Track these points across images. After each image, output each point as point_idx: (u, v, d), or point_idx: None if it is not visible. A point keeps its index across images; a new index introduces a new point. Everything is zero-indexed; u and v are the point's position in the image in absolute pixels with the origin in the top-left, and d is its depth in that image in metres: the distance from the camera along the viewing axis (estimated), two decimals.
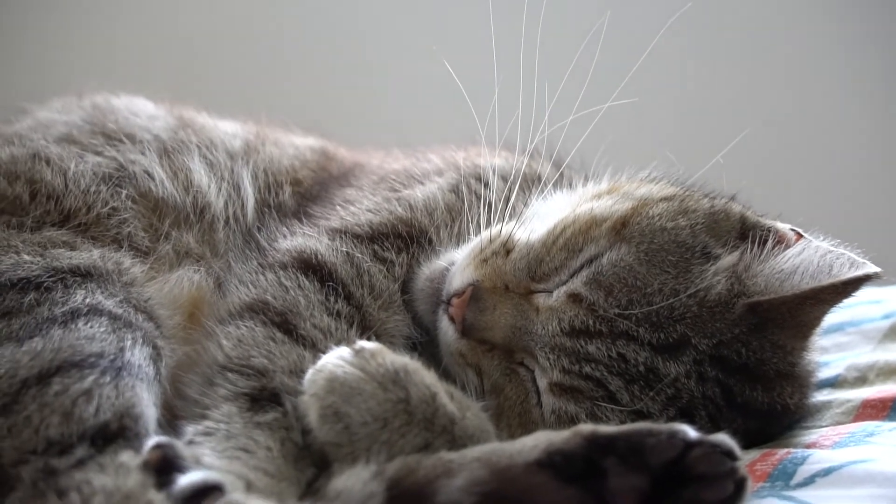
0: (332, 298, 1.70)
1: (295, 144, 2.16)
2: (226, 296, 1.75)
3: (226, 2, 4.34)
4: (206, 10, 4.31)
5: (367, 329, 1.70)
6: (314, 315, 1.66)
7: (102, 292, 1.62)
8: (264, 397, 1.52)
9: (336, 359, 1.47)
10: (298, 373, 1.52)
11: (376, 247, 1.81)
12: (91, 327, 1.53)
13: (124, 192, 1.87)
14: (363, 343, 1.50)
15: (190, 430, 1.47)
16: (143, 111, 2.07)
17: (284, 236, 1.86)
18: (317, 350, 1.57)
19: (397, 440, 1.43)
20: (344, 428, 1.43)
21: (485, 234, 1.77)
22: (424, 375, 1.49)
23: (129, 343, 1.54)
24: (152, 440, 1.39)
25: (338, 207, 1.92)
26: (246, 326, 1.63)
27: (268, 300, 1.68)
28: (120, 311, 1.60)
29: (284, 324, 1.64)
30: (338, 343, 1.54)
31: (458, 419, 1.47)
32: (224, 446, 1.43)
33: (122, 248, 1.78)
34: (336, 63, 4.28)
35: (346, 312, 1.70)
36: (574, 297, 1.62)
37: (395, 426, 1.43)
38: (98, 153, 1.92)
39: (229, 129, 2.12)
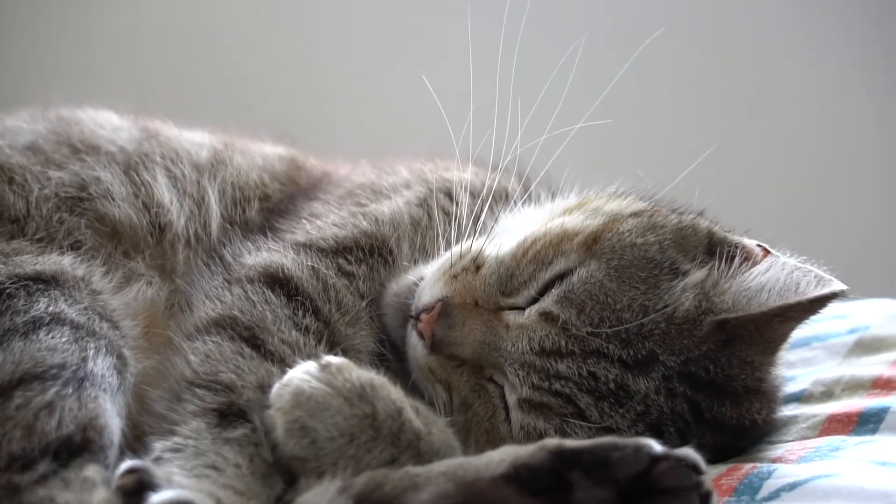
0: (300, 313, 1.69)
1: (264, 154, 2.14)
2: (192, 311, 1.73)
3: (203, 11, 4.36)
4: (186, 16, 4.33)
5: (335, 345, 1.69)
6: (282, 330, 1.65)
7: (66, 300, 1.61)
8: (233, 413, 1.51)
9: (302, 373, 1.47)
10: (267, 388, 1.51)
11: (341, 260, 1.80)
12: (53, 337, 1.51)
13: (83, 220, 1.85)
14: (330, 358, 1.50)
15: (158, 446, 1.46)
16: (108, 123, 2.05)
17: (249, 251, 1.84)
18: (285, 365, 1.56)
19: (364, 455, 1.43)
20: (310, 443, 1.43)
21: (455, 249, 1.77)
22: (391, 391, 1.49)
23: (91, 353, 1.53)
24: (126, 464, 1.37)
25: (304, 221, 1.91)
26: (213, 342, 1.62)
27: (235, 315, 1.67)
28: (83, 319, 1.59)
29: (252, 339, 1.63)
30: (306, 358, 1.53)
31: (424, 434, 1.47)
32: (193, 464, 1.42)
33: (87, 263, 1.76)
34: (315, 76, 4.30)
35: (315, 328, 1.69)
36: (546, 316, 1.62)
37: (362, 441, 1.43)
38: (62, 167, 1.90)
39: (196, 139, 2.09)
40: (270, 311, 1.68)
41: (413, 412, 1.49)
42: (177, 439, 1.46)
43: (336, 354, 1.55)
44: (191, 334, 1.66)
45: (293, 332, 1.66)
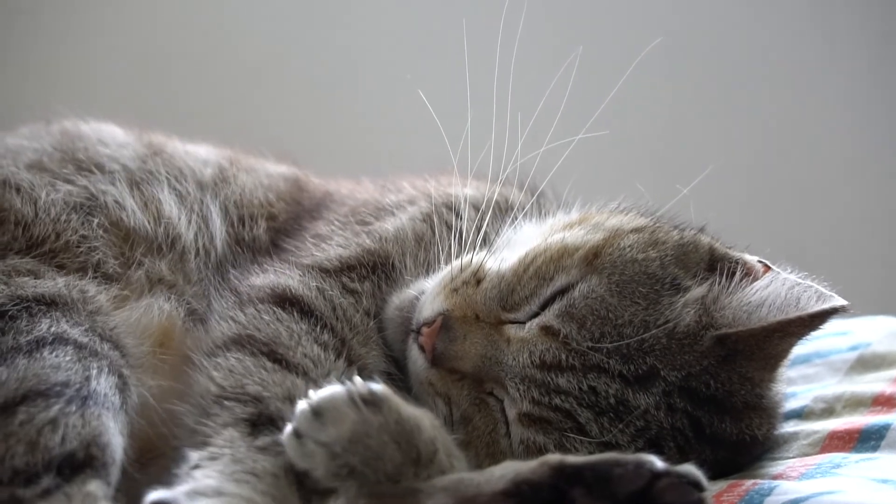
0: (317, 328, 1.69)
1: (269, 173, 2.14)
2: (208, 332, 1.73)
3: (201, 27, 4.37)
4: (184, 33, 4.34)
5: (352, 363, 1.68)
6: (302, 344, 1.65)
7: (67, 321, 1.61)
8: (263, 422, 1.51)
9: (347, 404, 1.42)
10: (293, 399, 1.49)
11: (345, 279, 1.80)
12: (56, 356, 1.52)
13: (95, 220, 1.85)
14: (373, 386, 1.44)
15: (194, 455, 1.45)
16: (111, 140, 2.05)
17: (256, 273, 1.84)
18: (308, 378, 1.57)
19: (381, 479, 1.41)
20: (348, 474, 1.40)
21: (455, 263, 1.76)
22: (428, 428, 1.45)
23: (94, 372, 1.53)
24: (152, 495, 1.36)
25: (309, 244, 1.90)
26: (235, 358, 1.61)
27: (252, 333, 1.67)
28: (85, 339, 1.59)
29: (272, 354, 1.62)
30: (327, 374, 1.54)
31: (447, 470, 1.44)
32: (232, 469, 1.42)
33: (87, 275, 1.76)
34: (310, 92, 4.30)
35: (333, 344, 1.68)
36: (547, 330, 1.62)
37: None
38: (69, 181, 1.90)
39: (202, 156, 2.10)
40: (284, 327, 1.67)
41: (443, 451, 1.45)
42: (212, 449, 1.46)
43: (354, 373, 1.54)
44: (211, 351, 1.65)
45: (314, 346, 1.65)
